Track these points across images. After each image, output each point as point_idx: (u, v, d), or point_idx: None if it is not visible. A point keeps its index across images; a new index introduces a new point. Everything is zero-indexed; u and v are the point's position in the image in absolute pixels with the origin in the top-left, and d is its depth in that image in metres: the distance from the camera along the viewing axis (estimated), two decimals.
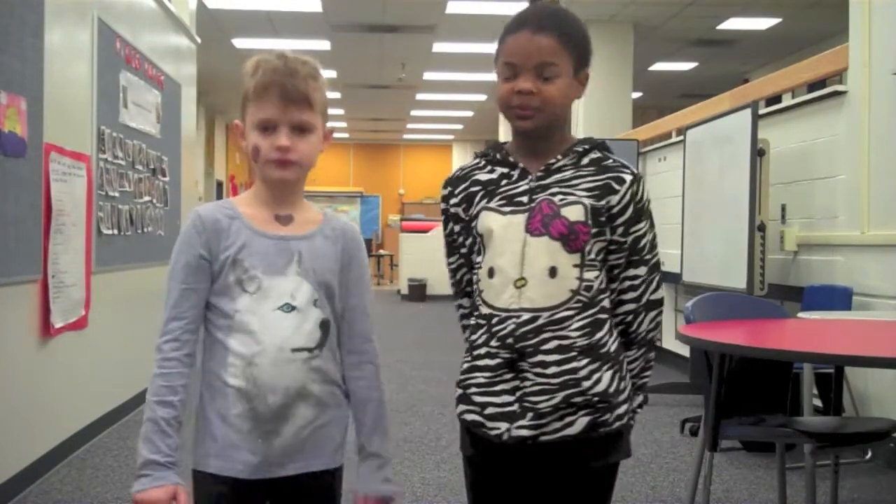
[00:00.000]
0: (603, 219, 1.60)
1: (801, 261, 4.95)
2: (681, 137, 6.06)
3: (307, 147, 1.63)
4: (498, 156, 1.68)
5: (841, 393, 3.17)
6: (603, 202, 1.60)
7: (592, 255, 1.60)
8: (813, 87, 5.48)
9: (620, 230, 1.62)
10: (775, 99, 6.03)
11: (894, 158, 4.21)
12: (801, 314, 3.87)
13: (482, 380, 1.62)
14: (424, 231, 14.28)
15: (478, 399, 1.62)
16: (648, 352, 1.71)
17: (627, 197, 1.62)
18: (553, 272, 1.58)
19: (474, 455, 1.68)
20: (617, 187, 1.61)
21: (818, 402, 3.77)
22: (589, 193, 1.60)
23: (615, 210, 1.61)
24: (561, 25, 1.63)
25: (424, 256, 13.65)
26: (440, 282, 13.25)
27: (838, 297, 4.34)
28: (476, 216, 1.65)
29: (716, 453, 2.81)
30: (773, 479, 3.68)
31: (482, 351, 1.62)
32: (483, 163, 1.70)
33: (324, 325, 1.63)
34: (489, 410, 1.60)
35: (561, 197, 1.60)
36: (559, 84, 1.60)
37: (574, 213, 1.58)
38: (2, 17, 3.40)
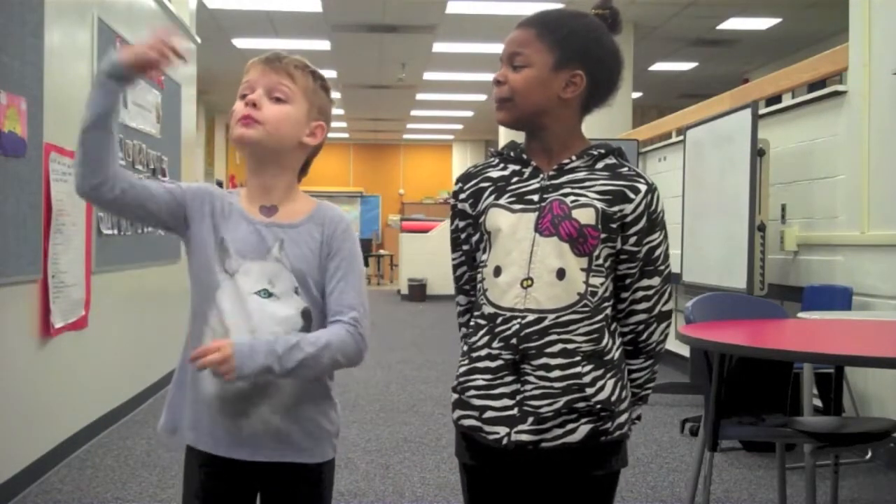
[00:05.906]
0: (614, 226, 1.57)
1: (801, 261, 4.94)
2: (681, 137, 6.05)
3: (278, 112, 1.63)
4: (512, 153, 1.65)
5: (841, 393, 3.17)
6: (615, 208, 1.57)
7: (600, 261, 1.57)
8: (813, 87, 5.48)
9: (633, 240, 1.59)
10: (775, 99, 6.03)
11: (894, 158, 4.21)
12: (801, 314, 3.87)
13: (481, 382, 1.58)
14: (424, 231, 14.27)
15: (476, 402, 1.58)
16: (655, 363, 1.68)
17: (642, 207, 1.59)
18: (561, 274, 1.55)
19: (471, 461, 1.64)
20: (632, 196, 1.58)
21: (818, 402, 3.77)
22: (601, 197, 1.57)
23: (629, 219, 1.58)
24: (547, 20, 1.60)
25: (424, 256, 13.64)
26: (440, 282, 13.25)
27: (838, 297, 4.33)
28: (484, 212, 1.62)
29: (716, 453, 2.81)
30: (773, 479, 3.68)
31: (482, 353, 1.59)
32: (497, 161, 1.68)
33: (305, 314, 1.62)
34: (488, 414, 1.57)
35: (573, 198, 1.57)
36: (526, 73, 1.58)
37: (585, 216, 1.55)
38: (2, 17, 3.40)
